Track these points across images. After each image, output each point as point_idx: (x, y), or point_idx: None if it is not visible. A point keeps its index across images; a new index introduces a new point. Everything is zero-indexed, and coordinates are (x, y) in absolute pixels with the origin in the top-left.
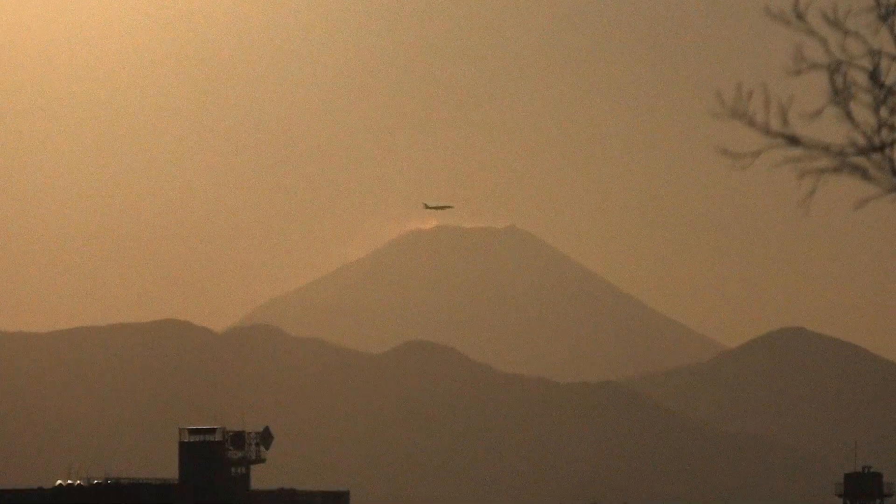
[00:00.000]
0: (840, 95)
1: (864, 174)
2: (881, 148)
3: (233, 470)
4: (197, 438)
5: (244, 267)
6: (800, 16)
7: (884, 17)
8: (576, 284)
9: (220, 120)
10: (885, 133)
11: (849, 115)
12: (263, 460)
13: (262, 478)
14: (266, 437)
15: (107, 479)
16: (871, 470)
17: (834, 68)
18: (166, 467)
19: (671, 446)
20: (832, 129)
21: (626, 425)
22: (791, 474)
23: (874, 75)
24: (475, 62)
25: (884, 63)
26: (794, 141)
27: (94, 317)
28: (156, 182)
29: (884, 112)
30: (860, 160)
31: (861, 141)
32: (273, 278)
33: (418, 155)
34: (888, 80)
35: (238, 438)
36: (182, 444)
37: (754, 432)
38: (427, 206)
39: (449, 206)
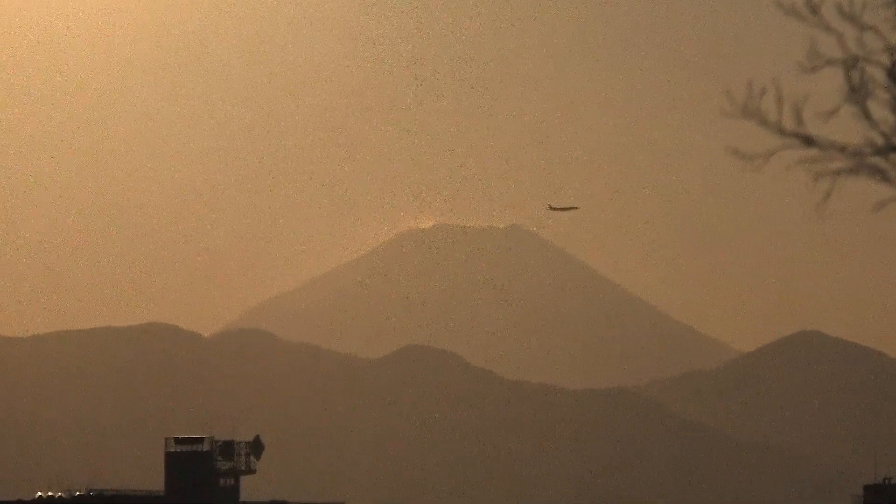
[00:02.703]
0: (857, 93)
1: (883, 175)
2: None
3: (221, 481)
4: (184, 448)
5: (234, 268)
6: (814, 10)
7: None
8: (582, 286)
9: (206, 119)
10: None
11: (866, 114)
12: (254, 471)
13: (252, 490)
14: (257, 447)
15: (89, 491)
16: (893, 481)
17: (850, 64)
18: (152, 478)
19: (683, 455)
20: (848, 129)
21: (636, 433)
22: (808, 485)
23: (893, 72)
24: (478, 58)
25: None
26: (808, 141)
27: (77, 320)
28: (142, 179)
29: None
30: (878, 161)
31: (879, 140)
32: (264, 280)
33: (416, 151)
34: None
35: (227, 448)
36: (168, 454)
37: (769, 440)
38: (551, 208)
39: (575, 208)
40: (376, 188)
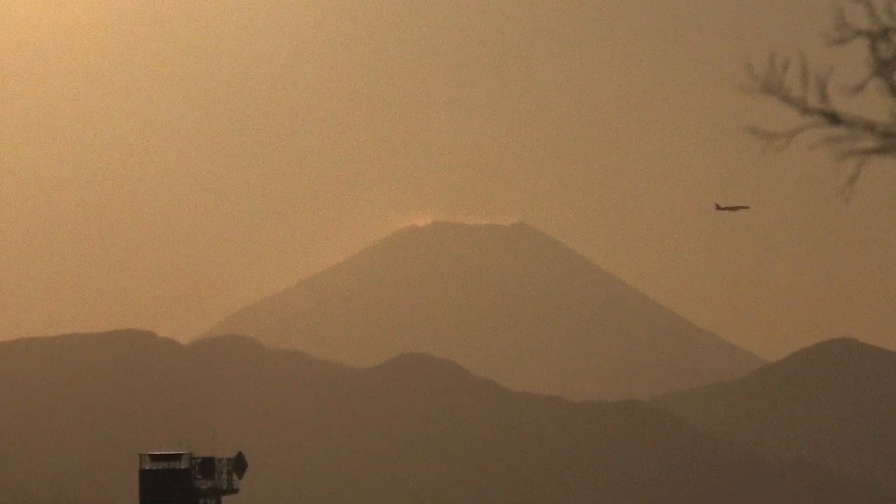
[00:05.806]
0: (886, 66)
1: None
2: None
3: (201, 501)
4: (160, 465)
5: (215, 269)
6: None
7: None
8: (593, 289)
9: (186, 113)
10: None
11: (894, 89)
12: (236, 490)
13: None
14: (239, 464)
15: None
16: None
17: (879, 35)
18: (125, 497)
19: (702, 474)
20: (877, 105)
21: (650, 450)
22: None
23: None
24: (480, 47)
25: None
26: (834, 119)
27: (42, 327)
28: (116, 176)
29: None
30: None
31: None
32: (248, 283)
33: (414, 143)
34: None
35: (207, 465)
36: (143, 472)
37: (798, 457)
38: (718, 208)
39: (745, 207)
40: (369, 183)
